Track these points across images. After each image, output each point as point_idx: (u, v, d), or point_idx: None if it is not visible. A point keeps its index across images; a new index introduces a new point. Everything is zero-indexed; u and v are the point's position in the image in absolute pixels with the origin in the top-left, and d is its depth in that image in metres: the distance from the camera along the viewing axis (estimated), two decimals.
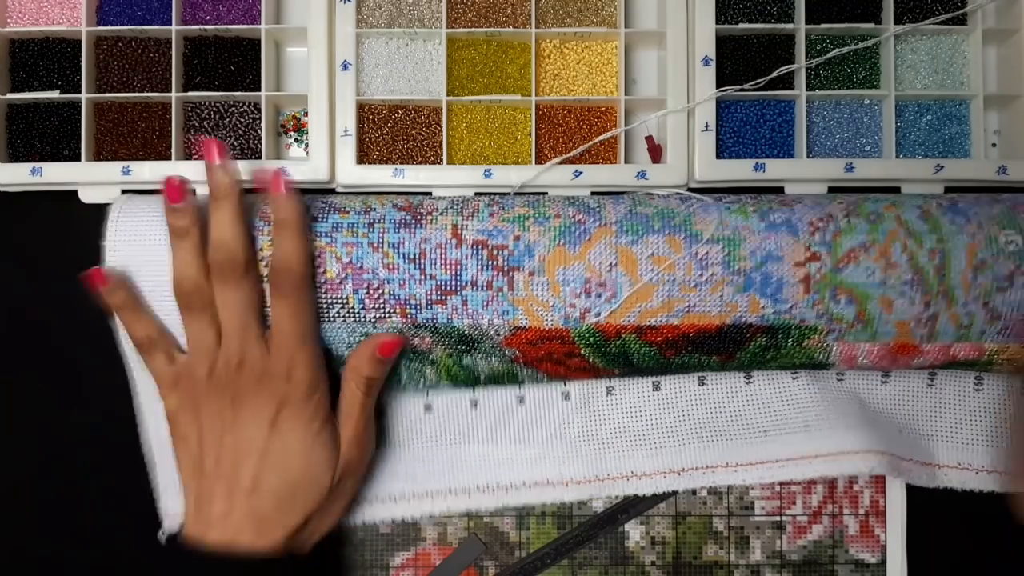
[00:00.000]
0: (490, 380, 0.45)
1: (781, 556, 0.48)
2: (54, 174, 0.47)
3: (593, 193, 0.48)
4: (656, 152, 0.50)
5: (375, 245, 0.41)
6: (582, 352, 0.43)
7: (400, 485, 0.46)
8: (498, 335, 0.42)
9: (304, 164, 0.48)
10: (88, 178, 0.47)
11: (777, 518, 0.48)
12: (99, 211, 0.43)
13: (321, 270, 0.41)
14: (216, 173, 0.40)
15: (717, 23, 0.47)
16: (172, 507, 0.45)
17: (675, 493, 0.48)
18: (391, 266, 0.41)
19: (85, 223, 0.43)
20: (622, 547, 0.48)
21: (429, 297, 0.41)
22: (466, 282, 0.41)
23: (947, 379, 0.47)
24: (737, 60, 0.49)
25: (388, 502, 0.46)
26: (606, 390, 0.47)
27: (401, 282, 0.41)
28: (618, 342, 0.42)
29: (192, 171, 0.47)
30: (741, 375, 0.47)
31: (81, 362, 0.49)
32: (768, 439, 0.46)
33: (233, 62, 0.49)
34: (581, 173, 0.47)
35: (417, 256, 0.41)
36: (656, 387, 0.47)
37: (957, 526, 0.43)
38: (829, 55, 0.48)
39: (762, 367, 0.45)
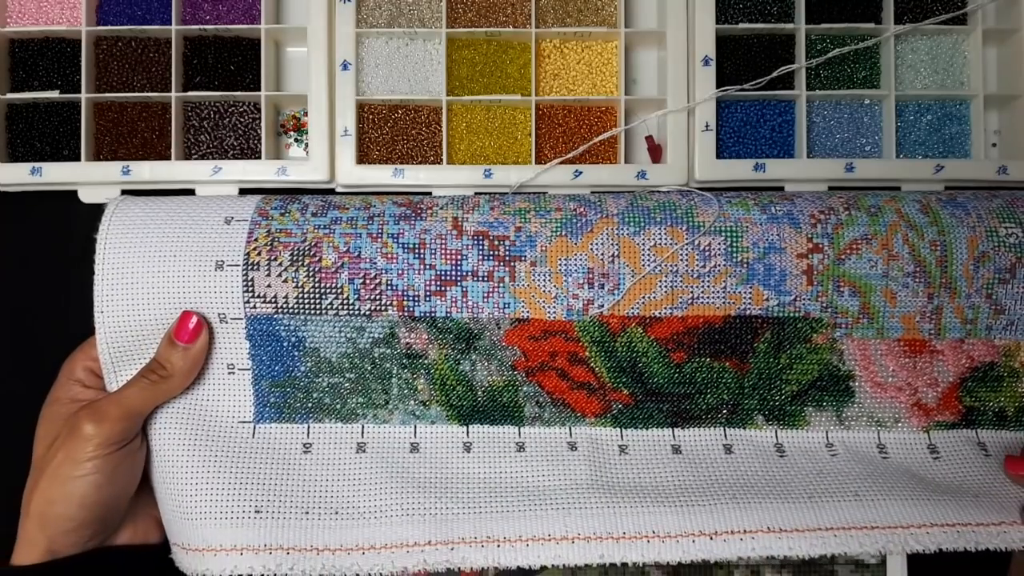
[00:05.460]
0: (488, 399, 0.42)
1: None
2: (54, 174, 0.47)
3: (593, 192, 0.48)
4: (656, 152, 0.50)
5: (374, 235, 0.41)
6: (587, 353, 0.42)
7: (369, 533, 0.39)
8: (499, 328, 0.41)
9: (304, 164, 0.47)
10: (88, 178, 0.47)
11: None
12: (99, 211, 0.43)
13: (317, 259, 0.40)
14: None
15: (717, 23, 0.47)
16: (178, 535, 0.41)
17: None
18: (390, 255, 0.41)
19: (85, 223, 0.43)
20: None
21: (428, 288, 0.41)
22: (466, 272, 0.41)
23: (999, 445, 0.42)
24: (737, 60, 0.49)
25: (354, 552, 0.38)
26: (619, 448, 0.41)
27: (399, 272, 0.41)
28: (623, 337, 0.41)
29: (190, 171, 0.48)
30: (771, 446, 0.42)
31: None
32: (813, 504, 0.39)
33: (233, 62, 0.49)
34: (581, 173, 0.47)
35: (416, 246, 0.41)
36: (676, 450, 0.42)
37: None
38: (829, 55, 0.48)
39: (777, 382, 0.42)
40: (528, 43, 0.49)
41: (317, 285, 0.40)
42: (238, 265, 0.40)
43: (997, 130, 0.51)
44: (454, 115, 0.49)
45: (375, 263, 0.40)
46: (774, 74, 0.48)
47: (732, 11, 0.49)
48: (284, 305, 0.41)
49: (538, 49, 0.50)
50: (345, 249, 0.40)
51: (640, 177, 0.47)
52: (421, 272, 0.40)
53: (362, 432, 0.42)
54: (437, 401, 0.42)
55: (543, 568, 0.39)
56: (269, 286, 0.40)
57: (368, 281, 0.40)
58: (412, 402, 0.42)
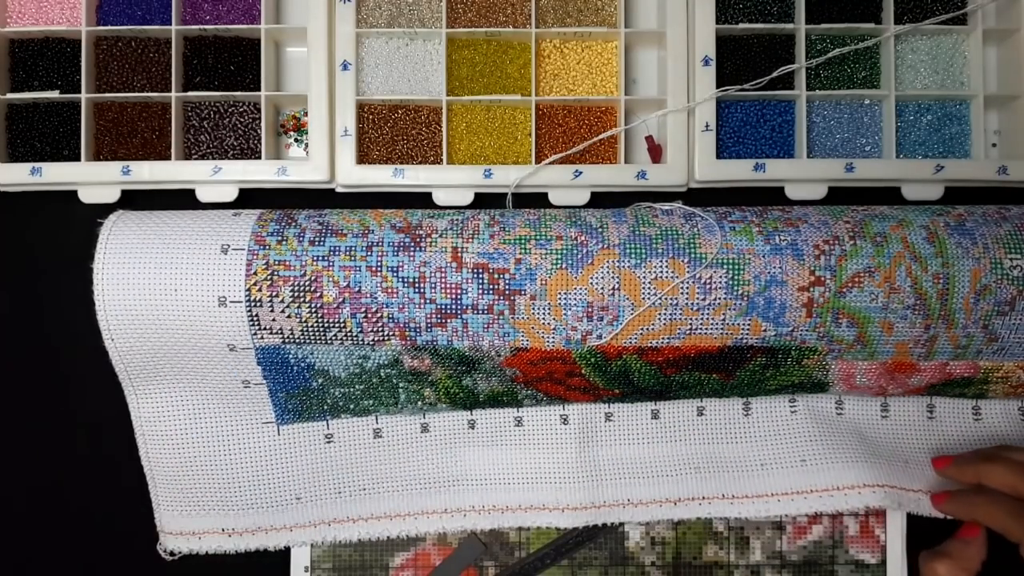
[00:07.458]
0: (489, 400, 0.45)
1: (781, 556, 0.48)
2: (54, 174, 0.47)
3: (593, 194, 0.48)
4: (656, 152, 0.50)
5: (373, 269, 0.41)
6: (583, 372, 0.42)
7: (395, 504, 0.46)
8: (499, 356, 0.41)
9: (304, 164, 0.48)
10: (88, 178, 0.47)
11: (777, 518, 0.48)
12: (99, 211, 0.43)
13: (318, 295, 0.40)
14: None
15: (717, 23, 0.47)
16: (168, 523, 0.46)
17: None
18: (390, 290, 0.40)
19: (85, 223, 0.43)
20: (622, 547, 0.48)
21: (429, 320, 0.41)
22: (467, 306, 0.40)
23: (947, 411, 0.47)
24: (737, 60, 0.49)
25: (384, 520, 0.46)
26: (605, 416, 0.46)
27: (400, 306, 0.40)
28: (619, 362, 0.42)
29: (190, 171, 0.48)
30: (739, 406, 0.47)
31: (81, 362, 0.49)
32: (765, 472, 0.46)
33: (233, 62, 0.49)
34: (581, 173, 0.47)
35: (416, 280, 0.40)
36: (655, 415, 0.47)
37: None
38: (829, 55, 0.48)
39: (760, 386, 0.44)
40: (528, 43, 0.49)
41: (320, 320, 0.41)
42: (240, 302, 0.40)
43: (997, 130, 0.51)
44: (454, 115, 0.49)
45: (376, 298, 0.40)
46: (774, 74, 0.48)
47: (732, 11, 0.49)
48: (290, 337, 0.41)
49: (538, 49, 0.50)
50: (345, 284, 0.40)
51: (640, 177, 0.47)
52: (422, 306, 0.40)
53: (376, 420, 0.46)
54: (443, 402, 0.44)
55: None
56: (274, 320, 0.41)
57: (370, 315, 0.41)
58: (420, 403, 0.45)
